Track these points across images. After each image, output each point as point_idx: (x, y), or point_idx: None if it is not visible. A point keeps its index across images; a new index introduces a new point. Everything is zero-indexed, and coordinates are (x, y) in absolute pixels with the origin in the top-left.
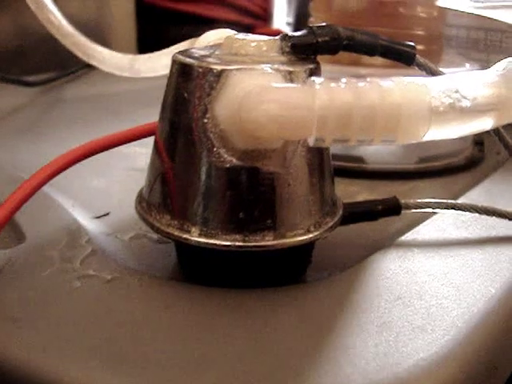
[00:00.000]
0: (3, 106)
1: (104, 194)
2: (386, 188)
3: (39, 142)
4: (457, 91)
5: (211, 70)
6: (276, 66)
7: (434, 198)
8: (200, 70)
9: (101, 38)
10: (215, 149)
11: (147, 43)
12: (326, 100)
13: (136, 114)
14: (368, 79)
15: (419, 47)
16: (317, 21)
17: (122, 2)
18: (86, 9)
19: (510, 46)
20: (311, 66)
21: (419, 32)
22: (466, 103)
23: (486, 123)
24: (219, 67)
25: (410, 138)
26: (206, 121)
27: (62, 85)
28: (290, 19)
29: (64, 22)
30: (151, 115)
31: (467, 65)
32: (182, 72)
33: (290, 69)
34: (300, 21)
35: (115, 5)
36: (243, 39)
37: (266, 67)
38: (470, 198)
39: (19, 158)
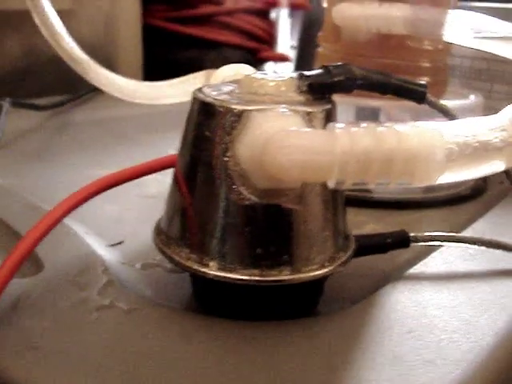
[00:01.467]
0: (13, 130)
1: (117, 222)
2: (393, 218)
3: (51, 166)
4: (469, 136)
5: (232, 110)
6: (294, 107)
7: (440, 227)
8: (221, 109)
9: (107, 60)
10: (235, 187)
11: (153, 66)
12: (347, 145)
13: (143, 139)
14: (386, 124)
15: (425, 79)
16: (325, 51)
17: (128, 26)
18: (92, 33)
19: None
20: (328, 107)
21: (425, 64)
22: (478, 148)
23: (497, 166)
24: (240, 107)
25: (425, 181)
26: (226, 159)
27: (71, 108)
28: (294, 43)
29: (77, 49)
30: (158, 140)
31: (472, 96)
32: (203, 110)
33: (309, 110)
34: (304, 45)
35: (122, 27)
36: (262, 79)
37: (285, 108)
38: (475, 229)
39: (30, 183)
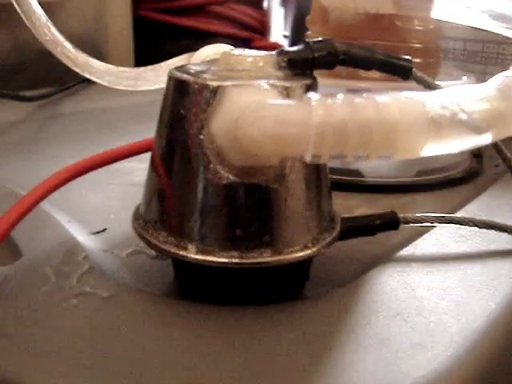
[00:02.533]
0: (0, 121)
1: (101, 210)
2: (385, 201)
3: (36, 157)
4: (454, 106)
5: (207, 86)
6: (272, 81)
7: (432, 211)
8: (196, 86)
9: (98, 52)
10: (212, 165)
11: (145, 57)
12: (323, 116)
13: (133, 129)
14: (364, 95)
15: (416, 60)
16: (314, 34)
17: (118, 17)
18: (82, 24)
19: (507, 57)
20: (308, 82)
21: (416, 45)
22: (463, 118)
23: (483, 138)
24: (215, 83)
25: (407, 154)
26: (202, 137)
27: (59, 100)
28: (287, 32)
29: (59, 36)
30: (148, 129)
31: (465, 77)
32: (178, 88)
33: (287, 84)
34: (297, 34)
35: (112, 19)
36: (239, 55)
37: (262, 83)
38: (468, 211)
39: (16, 173)
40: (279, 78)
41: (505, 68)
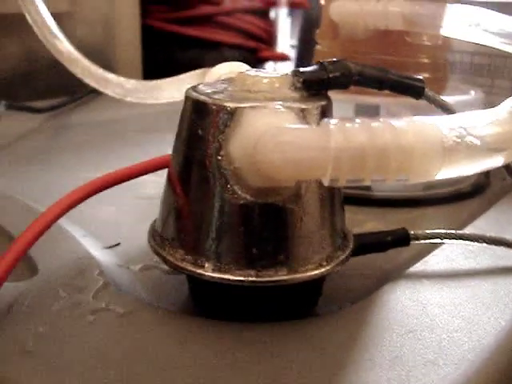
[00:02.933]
0: (11, 133)
1: (114, 224)
2: (393, 216)
3: (47, 168)
4: (467, 131)
5: (225, 107)
6: (288, 103)
7: (441, 225)
8: (214, 107)
9: (106, 62)
10: (229, 186)
11: (153, 67)
12: (341, 141)
13: (142, 139)
14: (381, 119)
15: (425, 75)
16: (323, 48)
17: (127, 27)
18: (91, 34)
19: None
20: (323, 103)
21: (425, 60)
22: (477, 142)
23: (496, 161)
24: (233, 105)
25: (422, 178)
26: (220, 158)
27: (69, 110)
28: (294, 42)
29: (72, 49)
30: (157, 140)
31: (472, 92)
32: (196, 108)
33: (303, 106)
34: (304, 44)
35: (120, 29)
36: (255, 75)
37: (279, 105)
38: (477, 226)
39: (28, 185)
40: (295, 100)
41: (511, 81)
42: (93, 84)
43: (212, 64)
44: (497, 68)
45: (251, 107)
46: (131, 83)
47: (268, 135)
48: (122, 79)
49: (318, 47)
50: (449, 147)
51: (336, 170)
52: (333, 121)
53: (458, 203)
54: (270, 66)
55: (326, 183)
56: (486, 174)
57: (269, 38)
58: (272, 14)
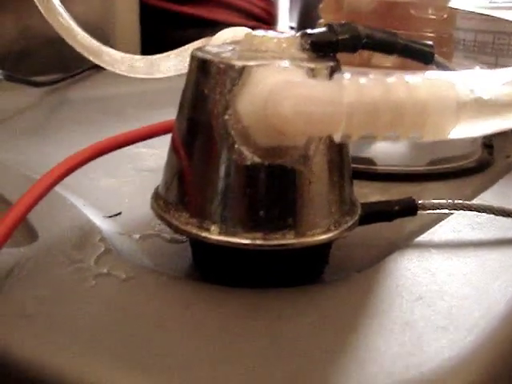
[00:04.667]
0: (10, 107)
1: (115, 194)
2: (397, 190)
3: (46, 142)
4: (482, 88)
5: (233, 66)
6: (297, 62)
7: (446, 199)
8: (221, 66)
9: (105, 40)
10: (236, 146)
11: (151, 46)
12: (355, 96)
13: (142, 115)
14: (396, 75)
15: None
16: (326, 22)
17: (126, 5)
18: (90, 11)
19: None
20: (332, 64)
21: (429, 34)
22: (492, 100)
23: (510, 122)
24: (241, 63)
25: (436, 135)
26: (227, 117)
27: (68, 86)
28: (293, 23)
29: (73, 24)
30: (157, 116)
31: (477, 67)
32: (202, 68)
33: (312, 65)
34: (303, 25)
35: (119, 7)
36: (263, 36)
37: (288, 63)
38: (483, 199)
39: (26, 158)
40: (303, 60)
41: None
42: (96, 61)
43: None
44: (500, 46)
45: (259, 65)
46: (132, 58)
47: (279, 88)
48: (124, 55)
49: (321, 21)
50: (463, 103)
51: (349, 125)
52: (346, 75)
53: (462, 179)
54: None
55: (337, 139)
56: (490, 151)
57: (268, 18)
58: None
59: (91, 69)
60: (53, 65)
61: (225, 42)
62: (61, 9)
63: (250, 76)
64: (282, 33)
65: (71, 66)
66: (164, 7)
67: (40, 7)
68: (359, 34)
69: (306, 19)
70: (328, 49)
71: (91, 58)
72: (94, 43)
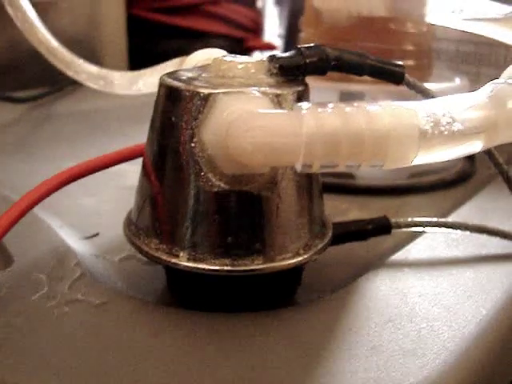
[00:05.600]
0: None
1: (93, 214)
2: (377, 204)
3: (28, 159)
4: (445, 115)
5: (198, 93)
6: (263, 89)
7: (425, 213)
8: (187, 93)
9: (92, 52)
10: (203, 173)
11: (139, 57)
12: (313, 126)
13: (125, 130)
14: (355, 104)
15: (409, 62)
16: (307, 36)
17: (112, 17)
18: (76, 23)
19: (499, 58)
20: (299, 89)
21: (409, 47)
22: (454, 127)
23: (475, 146)
24: (206, 91)
25: (398, 164)
26: (193, 145)
27: (51, 101)
28: (282, 32)
29: (51, 39)
30: (140, 131)
31: (457, 79)
32: (170, 95)
33: (278, 92)
34: (291, 33)
35: (106, 19)
36: (230, 61)
37: (254, 90)
38: (461, 214)
39: (7, 176)
40: (270, 85)
41: (497, 69)
42: (74, 76)
43: None
44: (482, 56)
45: (224, 93)
46: (111, 74)
47: (239, 120)
48: (102, 71)
49: (302, 35)
50: (425, 132)
51: (308, 156)
52: (305, 105)
53: (442, 191)
54: (256, 55)
55: (298, 169)
56: (472, 163)
57: (256, 28)
58: (259, 3)
59: (74, 83)
60: (38, 78)
61: (197, 64)
62: (39, 23)
63: (215, 104)
64: (251, 58)
65: (56, 80)
66: (152, 18)
67: (16, 22)
68: (328, 57)
69: (294, 27)
70: (296, 72)
71: (69, 74)
72: (73, 58)
